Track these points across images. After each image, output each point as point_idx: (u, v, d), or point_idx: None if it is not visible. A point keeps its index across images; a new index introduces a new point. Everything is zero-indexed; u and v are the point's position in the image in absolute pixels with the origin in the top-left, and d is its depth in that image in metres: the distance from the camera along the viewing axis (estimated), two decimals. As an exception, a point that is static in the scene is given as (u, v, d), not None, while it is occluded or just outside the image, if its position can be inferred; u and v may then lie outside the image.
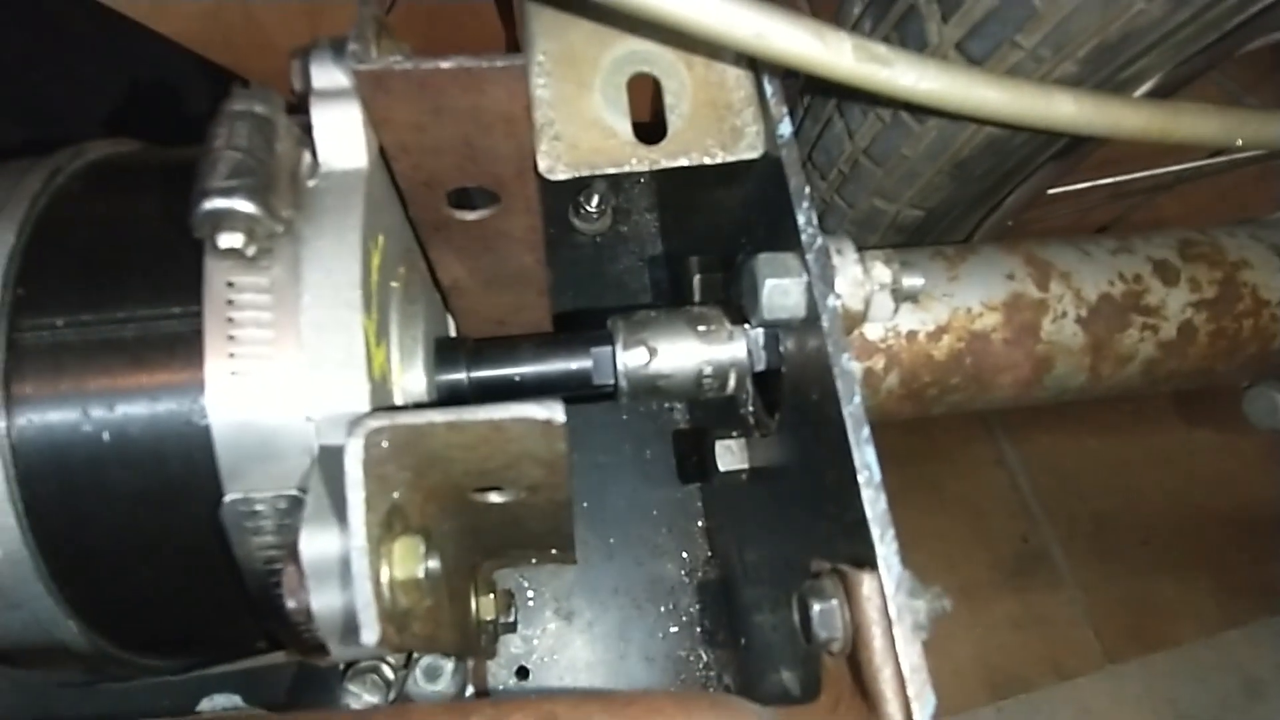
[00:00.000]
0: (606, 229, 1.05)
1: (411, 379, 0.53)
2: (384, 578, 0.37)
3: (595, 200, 1.04)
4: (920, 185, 0.71)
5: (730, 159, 0.55)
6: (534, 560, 0.69)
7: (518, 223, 0.57)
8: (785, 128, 0.53)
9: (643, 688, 0.87)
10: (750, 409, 0.60)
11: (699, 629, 0.90)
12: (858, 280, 0.51)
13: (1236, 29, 0.60)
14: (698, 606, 0.90)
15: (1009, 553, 1.50)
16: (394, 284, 0.52)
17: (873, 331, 0.65)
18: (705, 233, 0.77)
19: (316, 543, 0.37)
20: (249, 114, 0.43)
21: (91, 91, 0.86)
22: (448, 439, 0.40)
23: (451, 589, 0.49)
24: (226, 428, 0.41)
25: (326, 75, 0.46)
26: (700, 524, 0.94)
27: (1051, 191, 0.88)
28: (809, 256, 0.49)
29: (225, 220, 0.40)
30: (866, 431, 0.43)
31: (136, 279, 0.43)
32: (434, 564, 0.40)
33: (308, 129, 0.46)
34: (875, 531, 0.41)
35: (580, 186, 1.04)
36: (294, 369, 0.41)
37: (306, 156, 0.46)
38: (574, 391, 0.59)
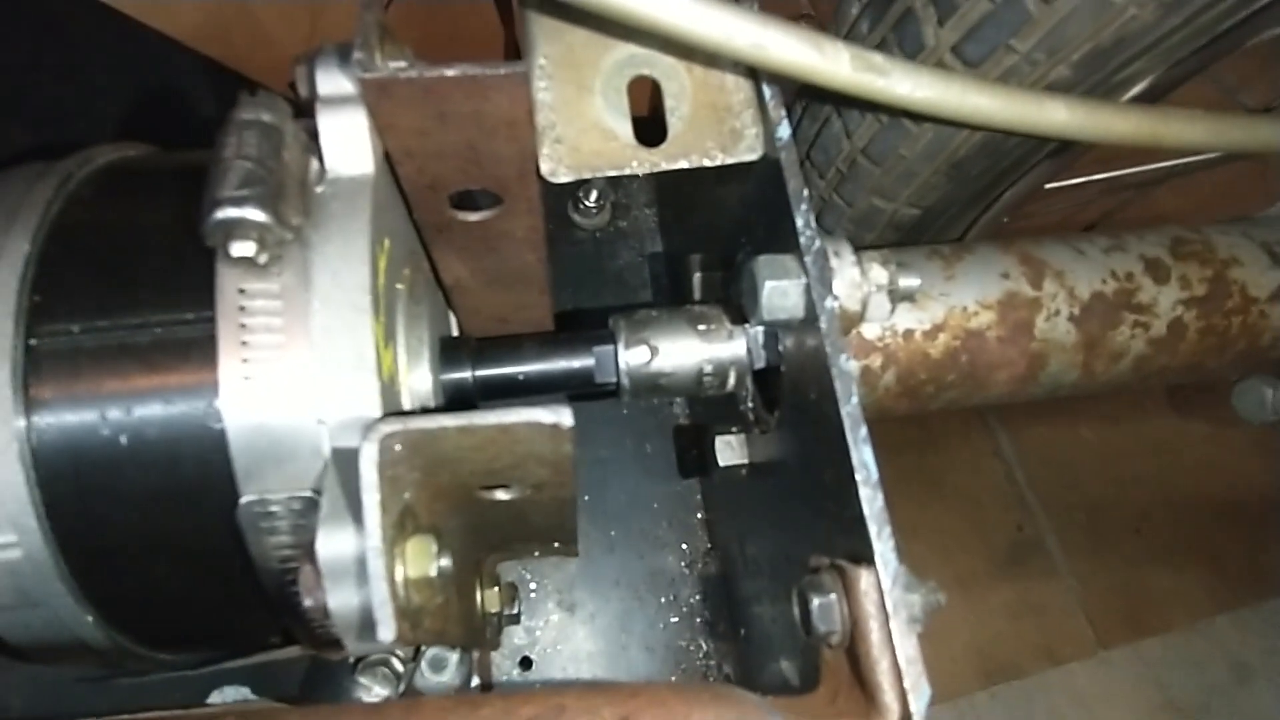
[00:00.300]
0: (605, 224, 1.06)
1: (418, 378, 0.54)
2: (398, 576, 0.38)
3: (594, 196, 1.04)
4: (917, 184, 0.72)
5: (729, 161, 0.56)
6: (537, 553, 0.70)
7: (520, 223, 0.58)
8: (784, 130, 0.54)
9: (644, 678, 0.88)
10: (750, 406, 0.61)
11: (699, 620, 0.91)
12: (855, 282, 0.52)
13: (1228, 32, 0.61)
14: (698, 598, 0.92)
15: (1004, 542, 1.52)
16: (400, 286, 0.53)
17: (870, 331, 0.66)
18: (704, 230, 0.77)
19: (333, 543, 0.39)
20: (257, 122, 0.44)
21: (94, 91, 0.86)
22: (458, 441, 0.41)
23: (458, 583, 0.50)
24: (241, 431, 0.42)
25: (332, 82, 0.47)
26: (700, 517, 0.95)
27: (1047, 187, 0.89)
28: (807, 259, 0.50)
29: (237, 229, 0.40)
30: (864, 431, 0.45)
31: (150, 285, 0.44)
32: (445, 562, 0.41)
33: (313, 133, 0.47)
34: (873, 529, 0.42)
35: (579, 183, 1.05)
36: (306, 372, 0.42)
37: (314, 163, 0.47)
38: (577, 389, 0.60)
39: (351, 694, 0.55)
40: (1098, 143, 0.61)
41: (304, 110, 0.48)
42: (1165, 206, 1.22)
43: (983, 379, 0.69)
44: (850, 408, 0.45)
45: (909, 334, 0.66)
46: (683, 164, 0.55)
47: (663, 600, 0.92)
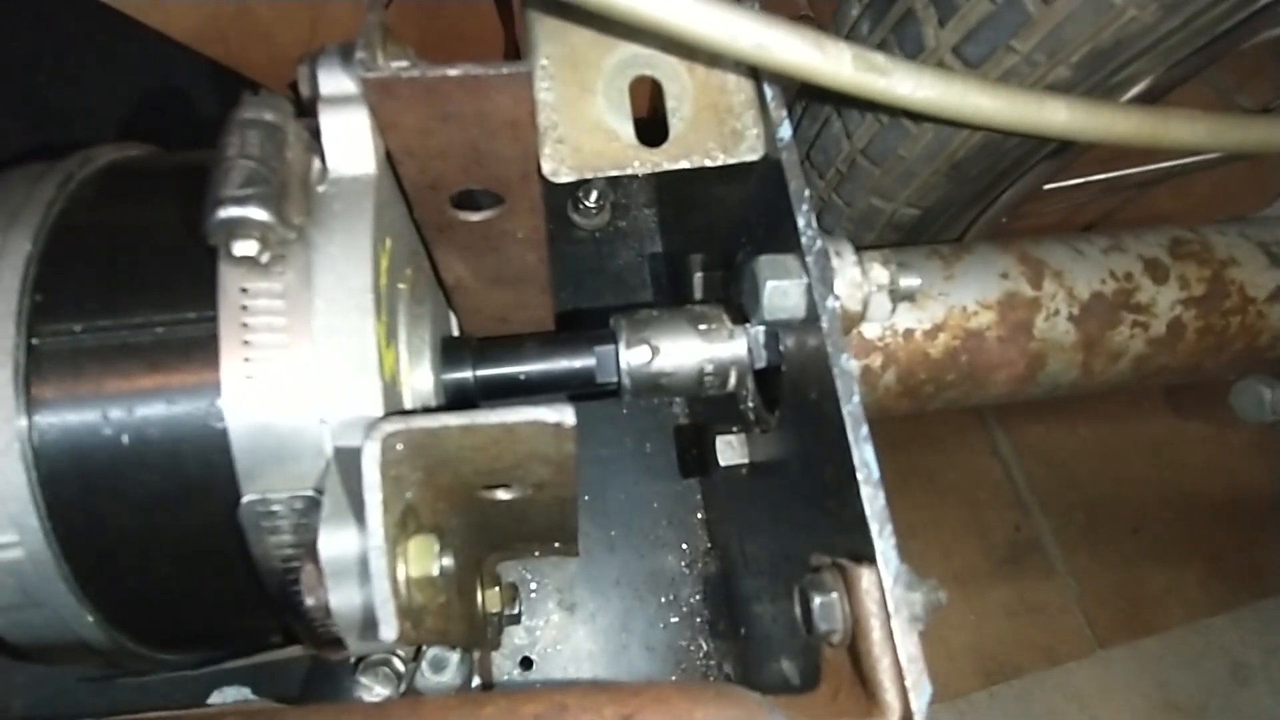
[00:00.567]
0: (605, 224, 1.06)
1: (419, 378, 0.54)
2: (400, 576, 0.38)
3: (594, 196, 1.04)
4: (917, 185, 0.72)
5: (731, 161, 0.56)
6: (537, 553, 0.71)
7: (521, 223, 0.58)
8: (785, 131, 0.54)
9: (644, 677, 0.89)
10: (751, 405, 0.61)
11: (699, 619, 0.91)
12: (856, 282, 0.52)
13: (1227, 32, 0.61)
14: (698, 597, 0.92)
15: (1002, 541, 1.52)
16: (401, 285, 0.53)
17: (870, 330, 0.66)
18: (705, 230, 0.78)
19: (335, 542, 0.39)
20: (260, 122, 0.44)
21: (94, 91, 0.86)
22: (460, 441, 0.41)
23: (459, 583, 0.50)
24: (243, 430, 0.42)
25: (334, 81, 0.47)
26: (700, 516, 0.95)
27: (1046, 188, 0.89)
28: (809, 259, 0.50)
29: (239, 229, 0.41)
30: (865, 430, 0.45)
31: (152, 285, 0.44)
32: (448, 562, 0.41)
33: (315, 133, 0.47)
34: (874, 528, 0.42)
35: (579, 183, 1.05)
36: (308, 372, 0.42)
37: (316, 163, 0.47)
38: (578, 389, 0.60)
39: (353, 694, 0.55)
40: (1098, 143, 0.61)
41: (306, 110, 0.48)
42: (1164, 206, 1.22)
43: (982, 379, 0.69)
44: (852, 407, 0.45)
45: (909, 334, 0.66)
46: (684, 164, 0.56)
47: (663, 600, 0.92)
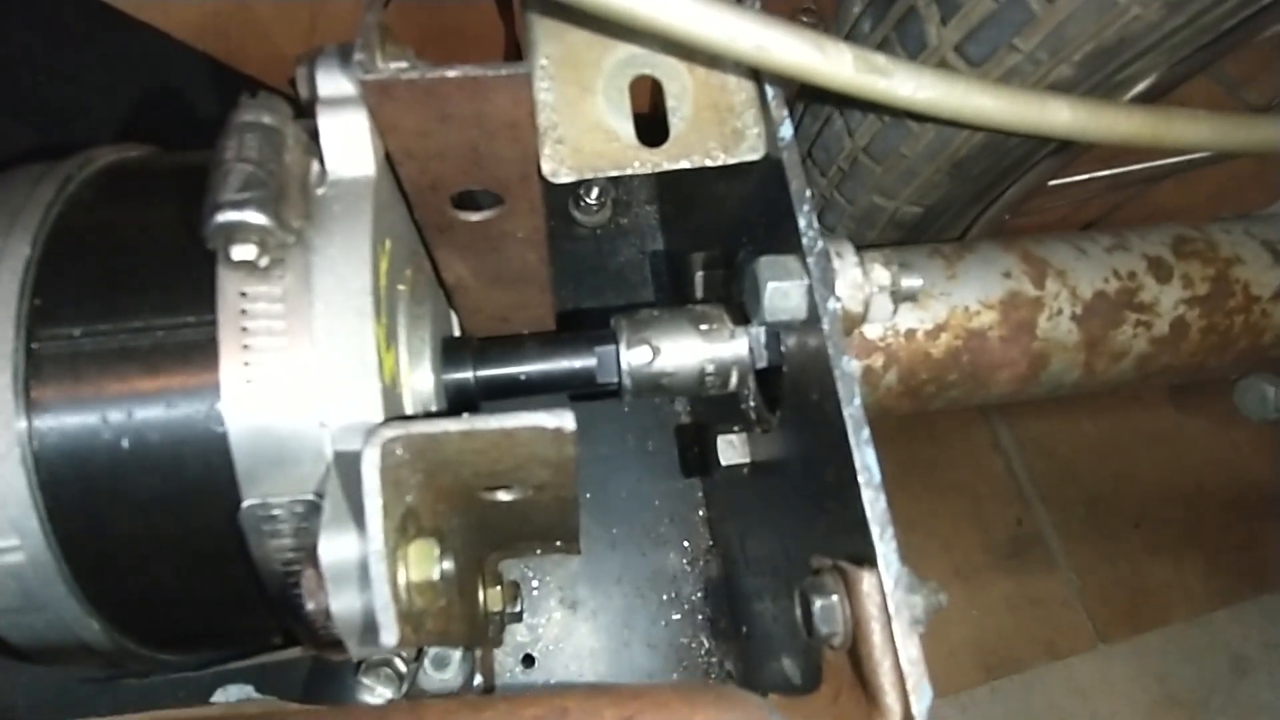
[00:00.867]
0: (606, 221, 1.06)
1: (420, 379, 0.54)
2: (401, 580, 0.38)
3: (595, 193, 1.04)
4: (919, 183, 0.71)
5: (731, 161, 0.55)
6: (539, 551, 0.71)
7: (521, 223, 0.58)
8: (786, 130, 0.54)
9: (646, 675, 0.89)
10: (752, 405, 0.61)
11: (700, 617, 0.91)
12: (857, 282, 0.52)
13: (1231, 30, 0.60)
14: (699, 595, 0.92)
15: (1004, 535, 1.52)
16: (401, 287, 0.53)
17: (872, 330, 0.66)
18: (706, 228, 0.77)
19: (335, 547, 0.39)
20: (257, 125, 0.44)
21: (94, 91, 0.86)
22: (460, 445, 0.41)
23: (460, 583, 0.50)
24: (243, 434, 0.42)
25: (333, 83, 0.47)
26: (701, 514, 0.95)
27: (1049, 184, 0.89)
28: (810, 260, 0.50)
29: (238, 233, 0.40)
30: (866, 433, 0.45)
31: (151, 288, 0.44)
32: (448, 565, 0.41)
33: (314, 134, 0.47)
34: (875, 531, 0.42)
35: (580, 180, 1.04)
36: (308, 376, 0.42)
37: (314, 165, 0.46)
38: (579, 389, 0.60)
39: (355, 694, 0.55)
40: (1101, 143, 0.61)
41: (304, 111, 0.47)
42: (1167, 203, 1.22)
43: (985, 378, 0.69)
44: (853, 409, 0.45)
45: (911, 334, 0.66)
46: (684, 164, 0.55)
47: (665, 598, 0.92)
